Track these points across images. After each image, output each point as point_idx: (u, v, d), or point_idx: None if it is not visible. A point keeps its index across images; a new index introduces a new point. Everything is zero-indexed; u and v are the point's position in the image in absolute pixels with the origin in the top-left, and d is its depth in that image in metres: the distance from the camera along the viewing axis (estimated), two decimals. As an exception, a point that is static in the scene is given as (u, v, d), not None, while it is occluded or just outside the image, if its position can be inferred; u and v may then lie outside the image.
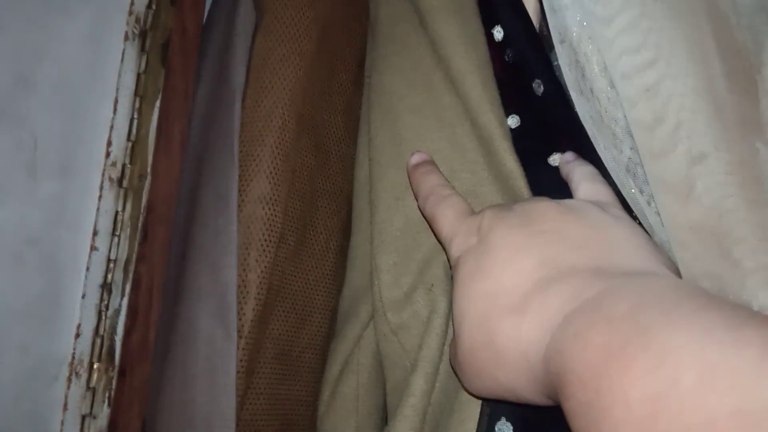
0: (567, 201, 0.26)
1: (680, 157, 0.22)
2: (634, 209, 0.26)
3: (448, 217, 0.28)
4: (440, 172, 0.31)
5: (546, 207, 0.25)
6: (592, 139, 0.26)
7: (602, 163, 0.27)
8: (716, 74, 0.23)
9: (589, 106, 0.25)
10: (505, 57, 0.32)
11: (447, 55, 0.32)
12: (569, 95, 0.27)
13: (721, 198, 0.21)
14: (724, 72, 0.23)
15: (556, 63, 0.30)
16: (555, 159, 0.31)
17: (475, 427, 0.27)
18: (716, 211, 0.22)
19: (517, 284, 0.22)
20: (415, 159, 0.33)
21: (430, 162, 0.32)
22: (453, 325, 0.25)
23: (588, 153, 0.28)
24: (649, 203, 0.25)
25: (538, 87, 0.31)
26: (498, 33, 0.32)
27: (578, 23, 0.25)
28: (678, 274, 0.23)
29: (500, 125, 0.30)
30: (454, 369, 0.26)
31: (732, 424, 0.13)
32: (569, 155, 0.30)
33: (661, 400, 0.14)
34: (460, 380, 0.25)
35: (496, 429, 0.26)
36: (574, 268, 0.21)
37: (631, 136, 0.25)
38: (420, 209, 0.30)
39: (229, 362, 0.31)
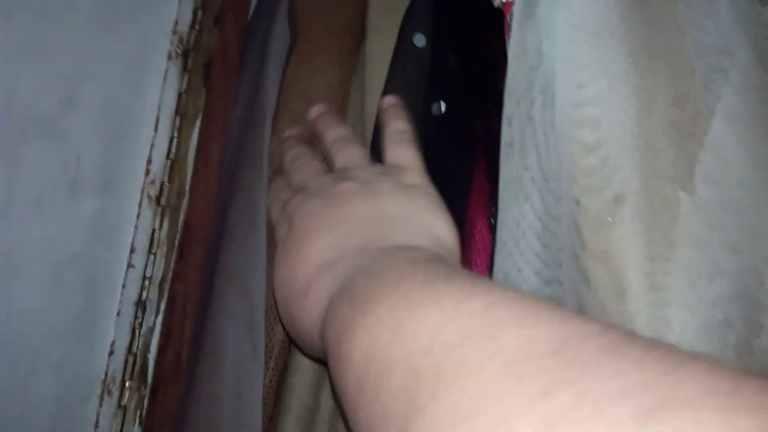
0: (367, 176, 0.27)
1: (603, 191, 0.23)
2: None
3: (274, 205, 0.30)
4: (301, 144, 0.32)
5: (345, 189, 0.26)
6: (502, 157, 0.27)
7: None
8: (660, 120, 0.23)
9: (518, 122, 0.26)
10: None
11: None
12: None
13: (625, 240, 0.22)
14: (670, 119, 0.23)
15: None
16: None
17: None
18: (620, 256, 0.22)
19: (305, 272, 0.24)
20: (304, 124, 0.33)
21: (297, 135, 0.33)
22: None
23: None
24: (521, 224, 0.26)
25: (438, 108, 0.31)
26: (419, 41, 0.32)
27: (544, 46, 0.25)
28: (453, 241, 0.25)
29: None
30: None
31: (404, 368, 0.15)
32: (389, 99, 0.31)
33: (370, 356, 0.16)
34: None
35: None
36: (348, 249, 0.23)
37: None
38: None
39: (257, 383, 0.31)
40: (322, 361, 0.26)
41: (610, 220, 0.22)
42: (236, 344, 0.32)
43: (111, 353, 0.35)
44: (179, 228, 0.36)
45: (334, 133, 0.31)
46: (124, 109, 0.35)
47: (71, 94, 0.33)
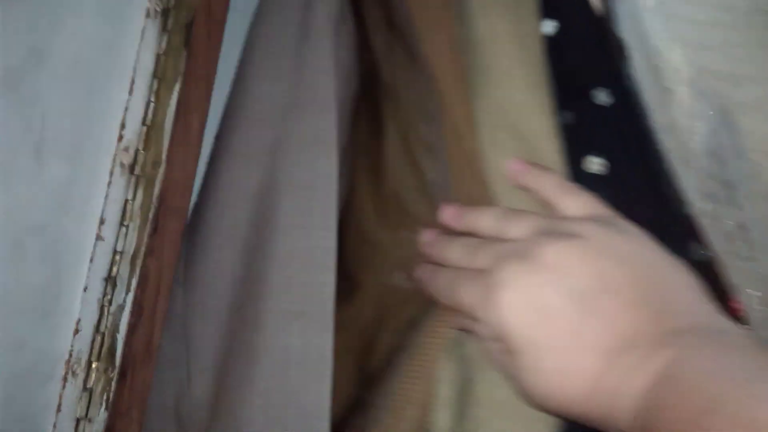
0: (577, 228, 0.24)
1: None
2: (705, 226, 0.24)
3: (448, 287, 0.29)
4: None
5: (567, 253, 0.24)
6: (669, 154, 0.24)
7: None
8: None
9: (665, 117, 0.24)
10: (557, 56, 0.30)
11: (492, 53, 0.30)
12: (638, 108, 0.25)
13: None
14: None
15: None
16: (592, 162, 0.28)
17: None
18: None
19: (588, 362, 0.22)
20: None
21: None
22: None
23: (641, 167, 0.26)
24: (724, 224, 0.23)
25: (602, 95, 0.28)
26: (549, 27, 0.30)
27: (662, 25, 0.23)
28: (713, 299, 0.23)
29: (549, 130, 0.28)
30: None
31: None
32: (516, 164, 0.28)
33: None
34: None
35: None
36: (637, 333, 0.22)
37: (709, 153, 0.23)
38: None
39: (324, 390, 0.29)
40: None
41: None
42: (302, 345, 0.30)
43: (76, 332, 0.32)
44: (154, 200, 0.34)
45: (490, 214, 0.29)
46: (97, 67, 0.32)
47: (38, 47, 0.30)
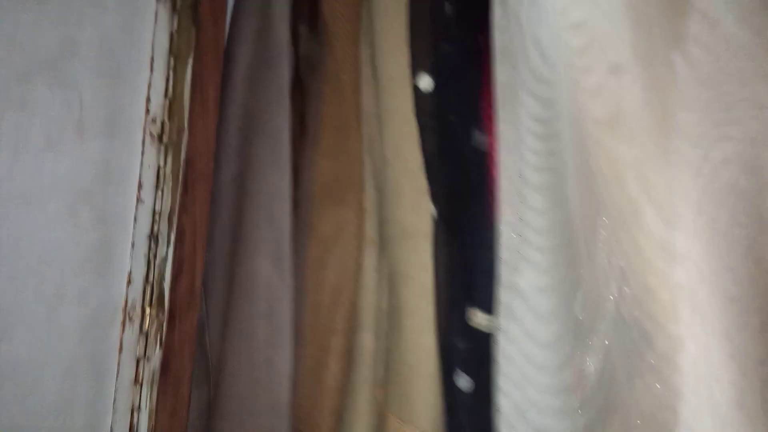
0: None
1: (597, 71, 0.23)
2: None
3: None
4: None
5: None
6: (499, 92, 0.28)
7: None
8: None
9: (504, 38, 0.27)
10: None
11: None
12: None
13: (628, 106, 0.22)
14: None
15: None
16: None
17: None
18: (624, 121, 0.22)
19: None
20: None
21: None
22: None
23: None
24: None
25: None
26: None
27: None
28: None
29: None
30: None
31: None
32: None
33: None
34: None
35: None
36: None
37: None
38: None
39: (285, 306, 0.34)
40: None
41: (612, 88, 0.23)
42: (267, 270, 0.36)
43: (129, 283, 0.37)
44: (182, 164, 0.38)
45: None
46: (121, 51, 0.37)
47: (69, 38, 0.34)
